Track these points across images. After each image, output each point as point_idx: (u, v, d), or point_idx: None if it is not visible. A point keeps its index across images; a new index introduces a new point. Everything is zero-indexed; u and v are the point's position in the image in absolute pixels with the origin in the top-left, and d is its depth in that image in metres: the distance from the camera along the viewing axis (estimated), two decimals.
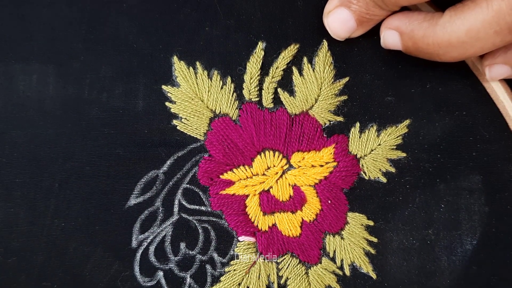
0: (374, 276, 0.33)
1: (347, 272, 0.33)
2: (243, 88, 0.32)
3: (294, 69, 0.32)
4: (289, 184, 0.33)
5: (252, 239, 0.33)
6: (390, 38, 0.31)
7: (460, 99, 0.33)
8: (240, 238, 0.33)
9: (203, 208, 0.33)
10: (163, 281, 0.32)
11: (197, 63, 0.32)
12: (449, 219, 0.33)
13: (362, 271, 0.33)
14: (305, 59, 0.32)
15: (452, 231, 0.33)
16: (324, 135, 0.33)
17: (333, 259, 0.33)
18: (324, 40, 0.32)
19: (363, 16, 0.30)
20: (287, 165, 0.33)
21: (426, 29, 0.29)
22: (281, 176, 0.33)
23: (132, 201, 0.32)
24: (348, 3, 0.30)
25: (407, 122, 0.33)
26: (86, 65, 0.31)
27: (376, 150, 0.33)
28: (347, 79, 0.33)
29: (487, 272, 0.33)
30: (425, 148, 0.33)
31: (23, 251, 0.32)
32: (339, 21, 0.30)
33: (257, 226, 0.33)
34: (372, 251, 0.33)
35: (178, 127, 0.32)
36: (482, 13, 0.27)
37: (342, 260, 0.33)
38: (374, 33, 0.32)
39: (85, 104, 0.31)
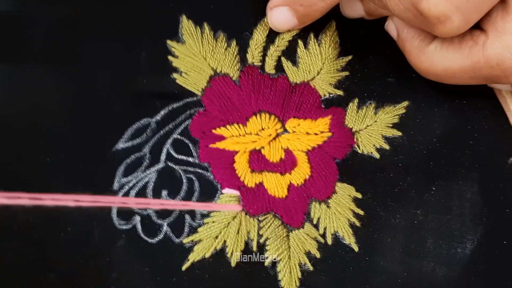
0: (356, 248, 0.32)
1: (329, 241, 0.32)
2: (247, 52, 0.32)
3: (300, 42, 0.32)
4: (282, 147, 0.32)
5: (236, 192, 0.32)
6: (391, 31, 0.32)
7: (460, 88, 0.32)
8: (223, 190, 0.32)
9: (190, 159, 0.32)
10: (139, 226, 0.31)
11: (205, 24, 0.32)
12: (440, 202, 0.32)
13: (344, 241, 0.32)
14: (311, 35, 0.32)
15: (441, 215, 0.32)
16: (322, 106, 0.33)
17: (316, 226, 0.32)
18: (332, 20, 0.32)
19: (304, 16, 0.31)
20: (282, 129, 0.33)
21: (414, 48, 0.30)
22: (274, 138, 0.32)
23: (120, 145, 0.32)
24: (293, 5, 0.30)
25: (405, 103, 0.33)
26: (92, 12, 0.31)
27: (372, 126, 0.33)
28: (350, 57, 0.33)
29: (473, 260, 0.32)
30: (421, 131, 0.33)
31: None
32: (281, 19, 0.31)
33: (243, 182, 0.32)
34: (357, 224, 0.32)
35: (177, 81, 0.32)
36: (462, 59, 0.28)
37: (325, 228, 0.32)
38: (382, 18, 0.32)
39: (86, 47, 0.32)
